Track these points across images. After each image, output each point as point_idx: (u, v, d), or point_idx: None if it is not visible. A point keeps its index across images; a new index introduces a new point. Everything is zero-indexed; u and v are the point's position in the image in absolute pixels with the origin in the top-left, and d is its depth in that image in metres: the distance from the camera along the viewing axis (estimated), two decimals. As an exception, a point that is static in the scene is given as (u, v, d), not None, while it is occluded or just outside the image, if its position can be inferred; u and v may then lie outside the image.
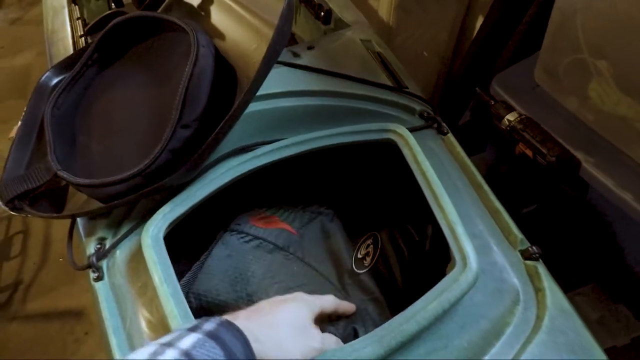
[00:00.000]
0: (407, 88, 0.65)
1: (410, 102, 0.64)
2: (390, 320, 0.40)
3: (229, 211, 0.61)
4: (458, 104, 0.99)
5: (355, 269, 0.57)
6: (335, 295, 0.47)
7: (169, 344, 0.29)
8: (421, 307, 0.41)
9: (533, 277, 0.48)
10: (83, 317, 1.24)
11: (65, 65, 0.63)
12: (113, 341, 0.44)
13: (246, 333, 0.32)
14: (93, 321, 1.22)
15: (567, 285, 0.50)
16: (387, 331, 0.40)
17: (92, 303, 0.48)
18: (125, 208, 0.52)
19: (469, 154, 0.59)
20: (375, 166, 0.63)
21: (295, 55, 0.69)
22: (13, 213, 0.52)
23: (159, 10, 0.65)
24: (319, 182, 0.65)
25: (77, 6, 0.92)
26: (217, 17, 0.58)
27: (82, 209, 0.52)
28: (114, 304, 0.47)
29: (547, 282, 0.47)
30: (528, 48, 0.79)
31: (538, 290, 0.47)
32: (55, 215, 0.52)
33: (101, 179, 0.47)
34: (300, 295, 0.42)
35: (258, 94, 0.49)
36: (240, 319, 0.34)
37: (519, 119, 0.68)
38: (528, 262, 0.49)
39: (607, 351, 0.44)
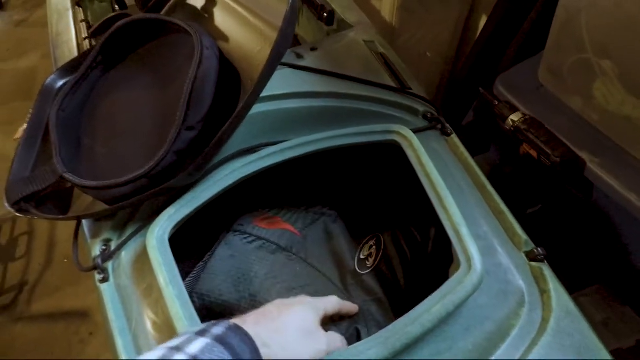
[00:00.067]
0: (411, 89, 0.65)
1: (413, 103, 0.64)
2: (394, 322, 0.40)
3: (232, 211, 0.61)
4: (461, 104, 0.99)
5: (358, 270, 0.57)
6: (338, 296, 0.47)
7: (177, 348, 0.29)
8: (426, 309, 0.41)
9: (538, 279, 0.48)
10: (88, 317, 1.24)
11: (70, 67, 0.63)
12: (119, 342, 0.44)
13: (255, 338, 0.33)
14: (98, 322, 1.23)
15: (572, 287, 0.49)
16: (391, 333, 0.40)
17: (97, 304, 0.48)
18: (131, 210, 0.52)
19: (473, 155, 0.59)
20: (378, 167, 0.63)
21: (299, 56, 0.69)
22: (19, 215, 0.52)
23: (162, 13, 0.65)
24: (322, 183, 0.65)
25: (81, 8, 0.93)
26: (221, 19, 0.59)
27: (87, 210, 0.52)
28: (119, 305, 0.47)
29: (553, 284, 0.47)
30: (532, 48, 0.79)
31: (543, 292, 0.47)
32: (60, 217, 0.52)
33: (106, 181, 0.47)
34: (305, 298, 0.42)
35: (262, 95, 0.49)
36: (249, 323, 0.34)
37: (523, 119, 0.68)
38: (533, 263, 0.49)
39: (612, 353, 0.44)
